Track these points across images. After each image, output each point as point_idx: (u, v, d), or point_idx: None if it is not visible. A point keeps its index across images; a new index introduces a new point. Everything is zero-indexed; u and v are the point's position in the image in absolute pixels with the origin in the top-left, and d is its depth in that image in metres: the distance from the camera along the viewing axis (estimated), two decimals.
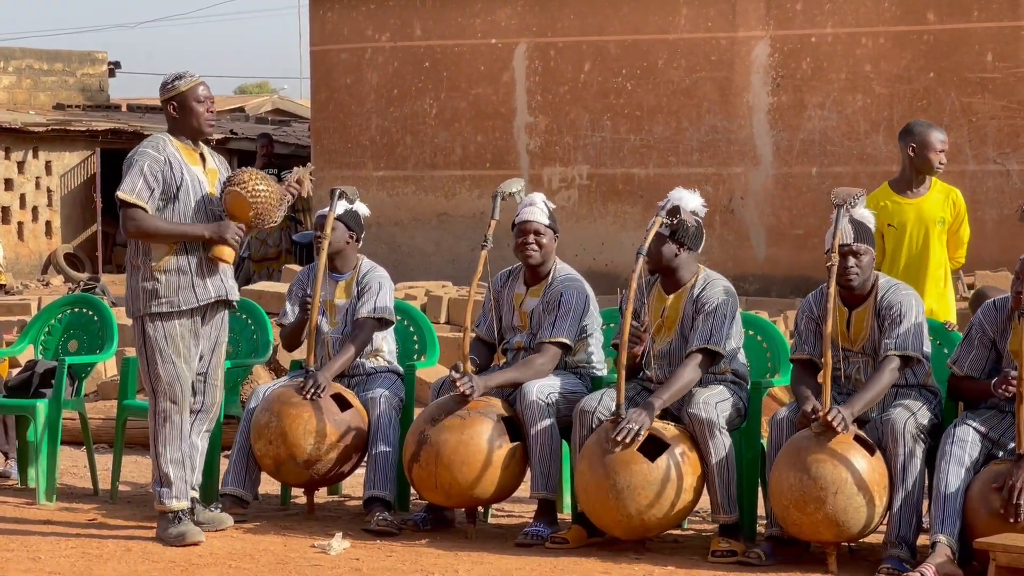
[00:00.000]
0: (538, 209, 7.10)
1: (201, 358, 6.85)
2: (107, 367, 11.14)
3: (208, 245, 6.72)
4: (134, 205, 6.67)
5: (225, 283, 6.86)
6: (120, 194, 6.69)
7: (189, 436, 6.82)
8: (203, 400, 6.89)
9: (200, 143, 6.89)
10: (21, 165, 25.69)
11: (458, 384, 6.73)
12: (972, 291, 12.03)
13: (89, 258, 26.72)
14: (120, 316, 11.74)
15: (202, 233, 6.70)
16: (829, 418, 6.11)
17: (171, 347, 6.73)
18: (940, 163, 7.52)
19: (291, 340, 7.60)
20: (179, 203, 6.72)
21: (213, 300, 6.82)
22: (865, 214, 6.54)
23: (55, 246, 26.38)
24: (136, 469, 8.82)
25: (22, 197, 25.65)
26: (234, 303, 6.98)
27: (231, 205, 6.71)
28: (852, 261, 6.42)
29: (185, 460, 6.77)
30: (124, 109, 29.80)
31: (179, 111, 6.79)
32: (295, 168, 7.14)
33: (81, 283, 19.93)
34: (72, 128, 26.69)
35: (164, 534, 6.72)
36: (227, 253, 6.71)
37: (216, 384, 6.94)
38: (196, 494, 6.94)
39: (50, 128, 25.99)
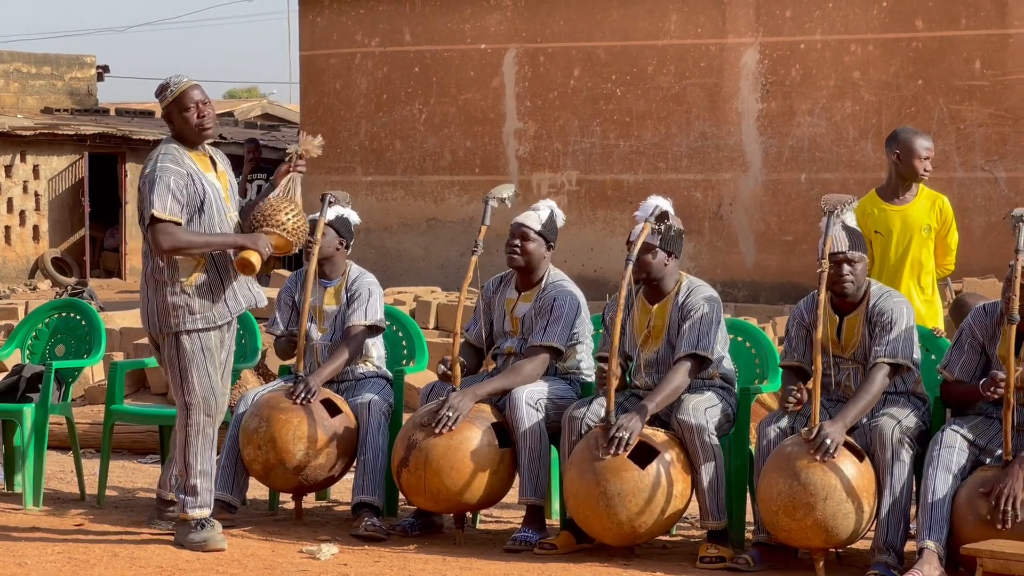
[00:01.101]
0: (534, 215, 7.09)
1: (222, 366, 6.81)
2: (94, 372, 11.12)
3: (237, 252, 6.66)
4: (167, 221, 6.56)
5: (253, 291, 6.82)
6: (155, 212, 6.55)
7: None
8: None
9: (204, 145, 6.83)
10: (9, 169, 25.65)
11: (436, 427, 6.70)
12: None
13: (77, 262, 26.69)
14: (108, 321, 11.73)
15: (235, 242, 6.65)
16: (817, 443, 6.10)
17: (207, 359, 6.70)
18: (925, 170, 7.53)
19: (285, 351, 7.57)
20: (204, 216, 6.65)
21: (244, 310, 6.80)
22: (849, 219, 6.54)
23: (43, 250, 26.35)
24: (123, 474, 8.81)
25: (9, 201, 25.61)
26: (260, 307, 6.97)
27: (275, 250, 6.71)
28: (847, 269, 6.43)
29: (212, 470, 6.77)
30: (112, 113, 29.79)
31: (177, 119, 6.71)
32: (290, 149, 7.04)
33: (69, 287, 19.90)
34: (60, 132, 26.67)
35: (185, 540, 6.71)
36: (256, 259, 6.62)
37: (226, 392, 6.91)
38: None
39: (38, 132, 25.95)
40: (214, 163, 6.79)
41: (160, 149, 6.73)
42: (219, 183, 6.75)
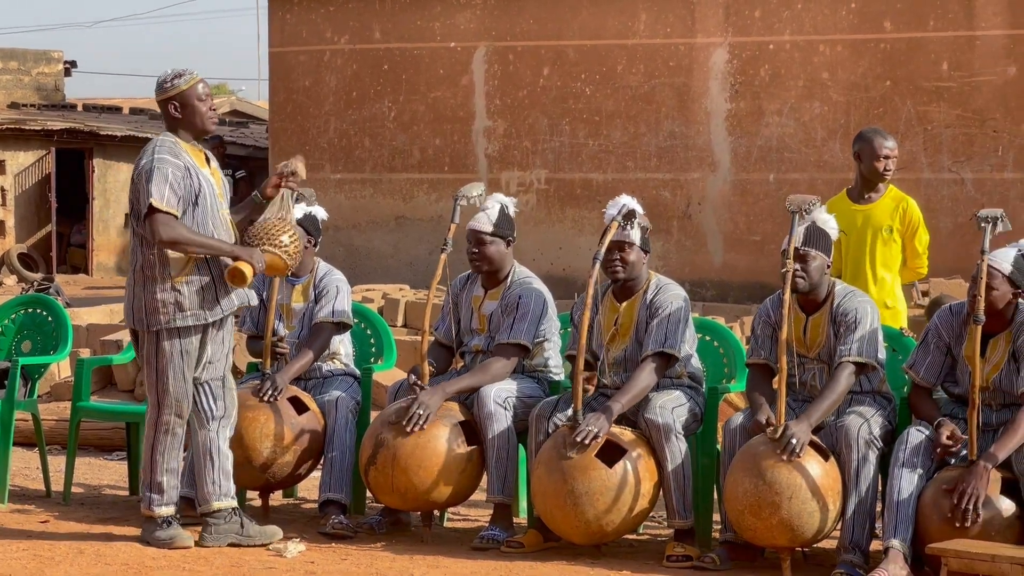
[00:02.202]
0: (484, 216, 7.08)
1: (212, 363, 6.72)
2: (61, 368, 11.07)
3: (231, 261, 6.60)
4: (165, 212, 6.49)
5: (244, 291, 6.75)
6: (153, 202, 6.48)
7: (218, 444, 6.73)
8: (224, 404, 6.77)
9: (201, 142, 6.76)
10: None
11: (407, 426, 6.70)
12: (927, 298, 12.09)
13: (43, 258, 26.58)
14: (74, 317, 11.67)
15: (232, 251, 6.59)
16: (783, 448, 6.12)
17: (185, 362, 6.63)
18: (886, 169, 7.55)
19: (258, 351, 7.54)
20: (198, 209, 6.58)
21: (236, 308, 6.73)
22: (827, 219, 6.56)
23: (9, 246, 26.22)
24: (89, 471, 8.77)
25: None
26: (253, 305, 6.92)
27: (269, 269, 6.67)
28: (797, 265, 6.44)
29: (179, 468, 6.72)
30: (80, 109, 29.66)
31: (181, 111, 6.64)
32: (280, 167, 7.03)
33: (35, 283, 19.82)
34: (27, 127, 26.55)
35: (151, 537, 6.67)
36: (248, 271, 6.56)
37: (232, 387, 6.83)
38: (235, 503, 6.81)
39: (4, 127, 25.83)
40: (207, 160, 6.76)
41: (156, 141, 6.67)
42: (213, 179, 6.71)
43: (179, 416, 6.67)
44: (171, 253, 6.57)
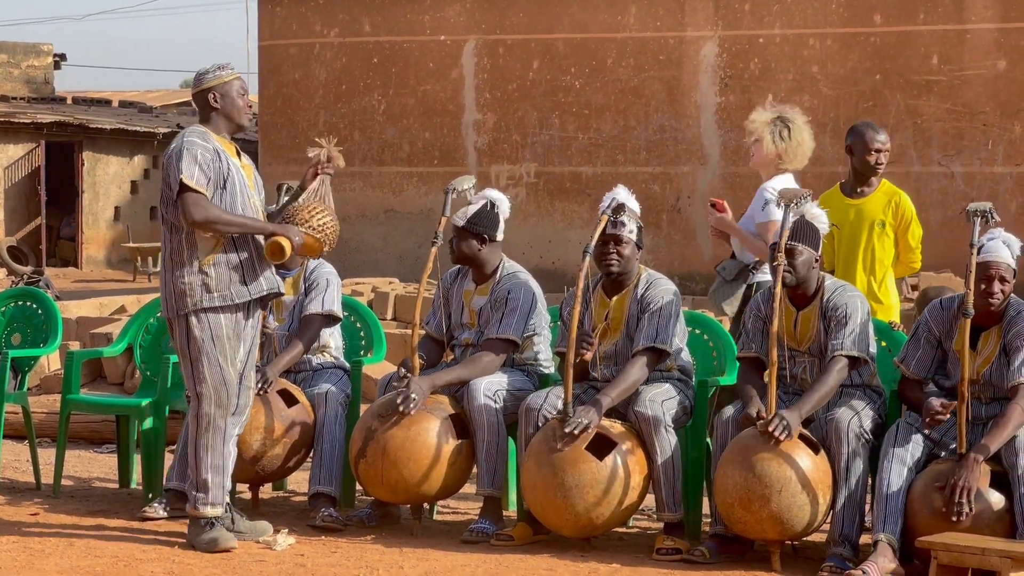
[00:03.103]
0: (463, 210, 7.10)
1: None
2: (50, 361, 11.07)
3: (266, 239, 6.59)
4: (195, 190, 6.48)
5: (275, 276, 6.76)
6: (183, 178, 6.46)
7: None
8: (237, 402, 6.69)
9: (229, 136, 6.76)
10: None
11: (400, 406, 6.70)
12: (916, 292, 12.11)
13: (33, 251, 26.56)
14: (64, 310, 11.66)
15: (265, 228, 6.60)
16: (771, 429, 6.13)
17: (218, 348, 6.57)
18: (878, 163, 7.56)
19: None
20: (226, 194, 6.57)
21: (265, 293, 6.69)
22: (817, 214, 6.57)
23: None
24: (79, 464, 8.77)
25: None
26: (282, 293, 6.90)
27: (304, 249, 6.66)
28: (785, 260, 6.44)
29: (224, 464, 6.63)
30: (69, 102, 29.63)
31: (221, 100, 6.64)
32: (317, 150, 7.05)
33: (25, 276, 19.80)
34: (16, 120, 26.51)
35: (196, 540, 6.56)
36: (287, 245, 6.56)
37: (250, 386, 6.76)
38: (228, 500, 6.75)
39: None
40: (238, 153, 6.76)
41: (186, 130, 6.69)
42: (243, 171, 6.71)
43: (219, 407, 6.58)
44: (199, 236, 6.55)
